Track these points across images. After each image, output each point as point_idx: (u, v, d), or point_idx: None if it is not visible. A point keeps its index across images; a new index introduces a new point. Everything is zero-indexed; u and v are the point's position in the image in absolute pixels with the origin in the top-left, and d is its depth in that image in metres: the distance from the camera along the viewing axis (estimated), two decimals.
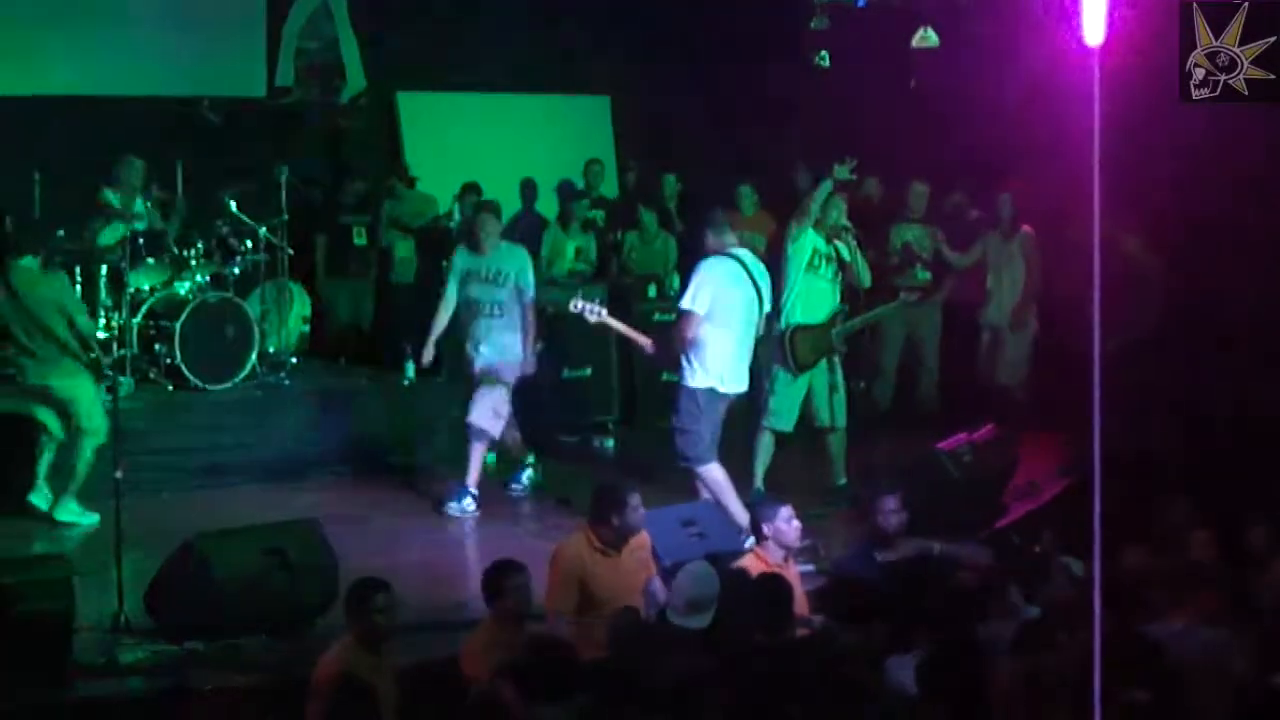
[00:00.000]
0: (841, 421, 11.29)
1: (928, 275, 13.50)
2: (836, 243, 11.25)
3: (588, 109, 16.83)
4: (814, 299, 11.13)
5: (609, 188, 15.87)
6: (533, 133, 16.09)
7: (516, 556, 8.05)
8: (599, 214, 15.10)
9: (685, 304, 10.39)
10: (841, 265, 11.24)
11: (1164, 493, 9.50)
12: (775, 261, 11.24)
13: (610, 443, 13.42)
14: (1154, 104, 8.88)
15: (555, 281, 14.11)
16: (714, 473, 10.35)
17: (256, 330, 12.91)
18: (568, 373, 13.68)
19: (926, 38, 15.24)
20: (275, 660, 8.42)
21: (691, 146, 16.26)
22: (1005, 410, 12.65)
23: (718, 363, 10.31)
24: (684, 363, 10.42)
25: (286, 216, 13.41)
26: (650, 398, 13.97)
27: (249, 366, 12.85)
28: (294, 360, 13.46)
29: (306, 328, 13.58)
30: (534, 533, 10.72)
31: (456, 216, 14.17)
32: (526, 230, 14.49)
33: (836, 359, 11.24)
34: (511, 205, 15.01)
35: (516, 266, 11.55)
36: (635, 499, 8.55)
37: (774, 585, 8.00)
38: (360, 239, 14.41)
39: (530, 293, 11.56)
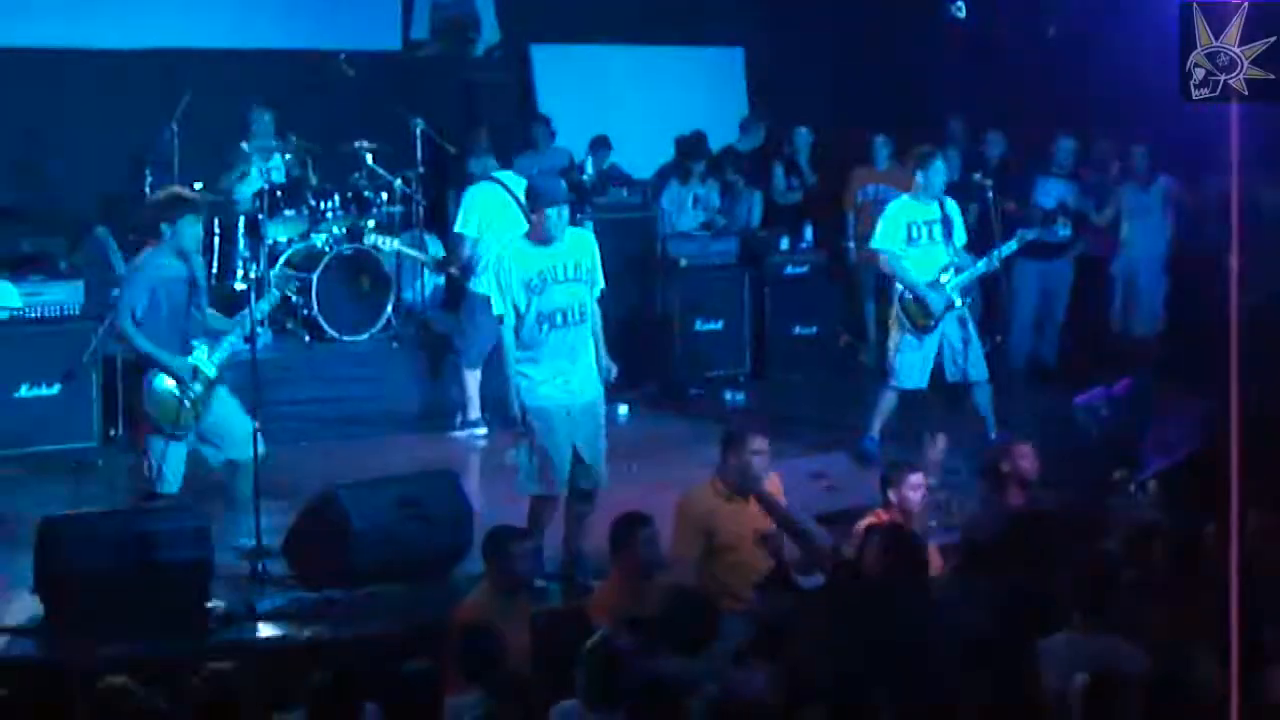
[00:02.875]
0: (981, 375, 11.19)
1: (1068, 230, 13.36)
2: (942, 202, 11.10)
3: (721, 60, 16.78)
4: (923, 261, 11.03)
5: (745, 140, 15.77)
6: (666, 84, 16.06)
7: (640, 508, 8.10)
8: (727, 166, 15.02)
9: (456, 228, 11.89)
10: (946, 223, 11.10)
11: None
12: None
13: (740, 396, 13.41)
14: None
15: (684, 234, 14.11)
16: (471, 379, 11.77)
17: (393, 282, 13.03)
18: (699, 325, 13.68)
19: None
20: (411, 608, 8.53)
21: (825, 98, 16.17)
22: (1142, 364, 12.50)
23: None
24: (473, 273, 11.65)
25: (421, 169, 13.50)
26: (780, 351, 13.98)
27: (385, 318, 12.97)
28: (429, 313, 13.57)
29: (441, 279, 13.67)
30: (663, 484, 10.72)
31: (589, 170, 14.21)
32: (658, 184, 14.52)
33: (965, 314, 11.15)
34: (645, 158, 15.02)
35: (592, 253, 9.07)
36: (759, 442, 8.56)
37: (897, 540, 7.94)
38: None
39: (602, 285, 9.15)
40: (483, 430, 11.85)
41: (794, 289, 14.19)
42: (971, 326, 11.16)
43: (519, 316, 8.76)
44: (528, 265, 8.75)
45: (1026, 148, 14.37)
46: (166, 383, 8.98)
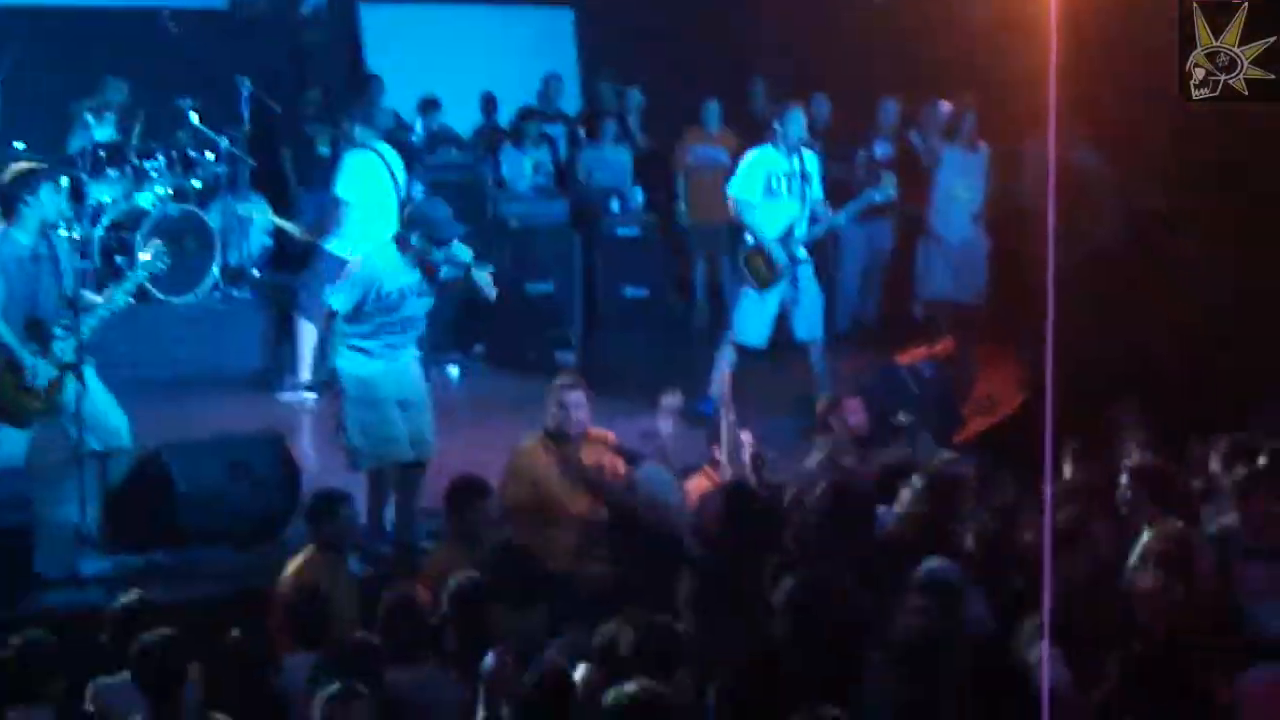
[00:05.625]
0: (816, 334, 11.34)
1: (893, 191, 13.49)
2: (800, 155, 11.24)
3: (550, 21, 16.75)
4: (774, 216, 11.15)
5: (569, 102, 15.79)
6: (494, 45, 16.00)
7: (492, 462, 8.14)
8: (557, 128, 15.02)
9: (338, 192, 11.63)
10: (805, 177, 11.24)
11: (1117, 405, 9.62)
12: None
13: (571, 356, 13.44)
14: (1112, 12, 8.93)
15: (514, 195, 14.09)
16: (308, 337, 11.49)
17: (218, 243, 12.89)
18: (530, 286, 13.69)
19: None
20: (238, 571, 8.49)
21: (655, 60, 16.19)
22: (965, 324, 12.72)
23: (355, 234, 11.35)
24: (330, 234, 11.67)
25: (248, 127, 13.37)
26: (612, 313, 14.04)
27: (212, 279, 12.83)
28: (256, 273, 13.44)
29: (269, 240, 13.53)
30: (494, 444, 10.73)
31: (419, 131, 14.13)
32: (488, 145, 14.47)
33: (806, 271, 11.27)
34: (471, 119, 14.98)
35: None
36: (575, 396, 8.69)
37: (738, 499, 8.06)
38: (324, 147, 14.33)
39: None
40: (312, 393, 11.78)
41: (625, 251, 14.25)
42: (812, 283, 11.30)
43: (359, 310, 8.78)
44: (395, 279, 8.79)
45: (851, 110, 14.52)
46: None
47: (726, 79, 15.14)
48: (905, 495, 7.88)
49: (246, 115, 13.37)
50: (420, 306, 8.96)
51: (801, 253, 11.22)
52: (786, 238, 11.15)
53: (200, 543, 8.63)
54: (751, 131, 12.43)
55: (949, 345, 11.44)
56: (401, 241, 8.87)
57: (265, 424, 10.34)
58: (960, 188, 13.78)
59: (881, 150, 13.87)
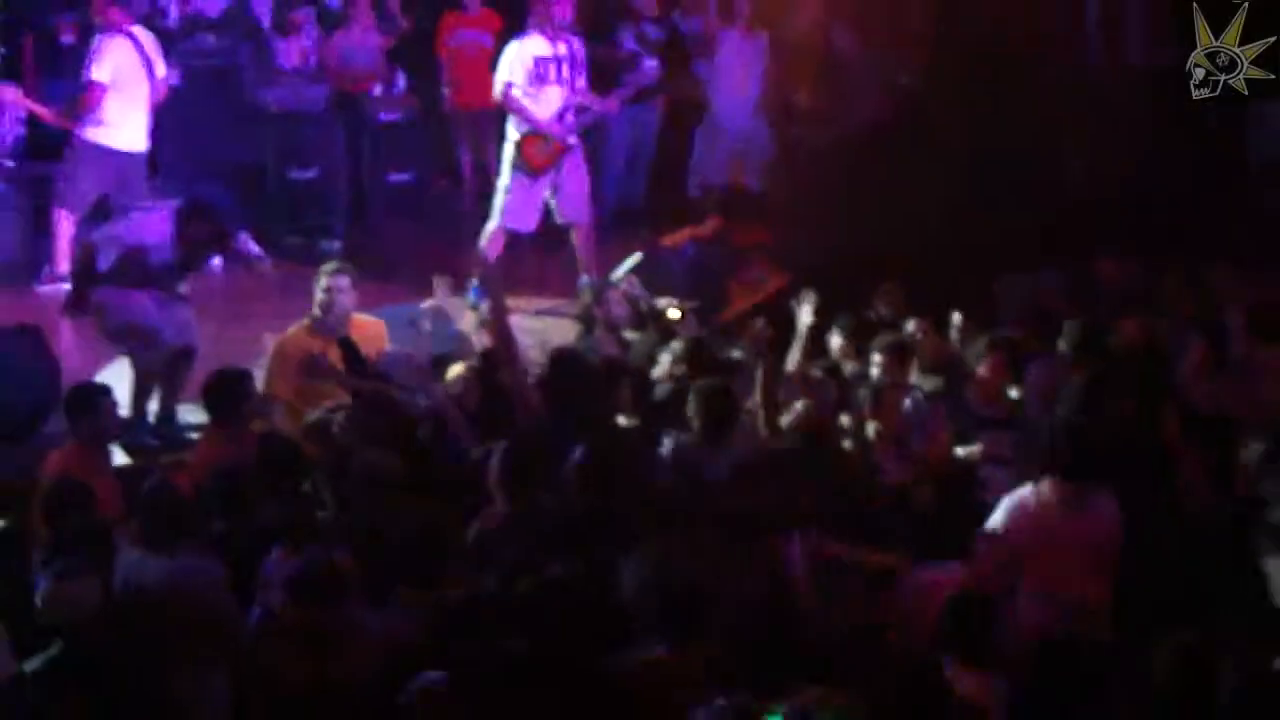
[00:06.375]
0: (583, 218, 11.38)
1: (651, 76, 13.50)
2: (566, 39, 11.22)
3: None
4: (540, 102, 11.15)
5: None
6: None
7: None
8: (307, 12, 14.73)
9: (94, 76, 11.29)
10: (572, 63, 11.23)
11: (881, 283, 9.87)
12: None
13: (337, 244, 13.33)
14: None
15: (275, 80, 13.85)
16: (66, 226, 11.35)
17: None
18: (293, 173, 13.52)
19: None
20: None
21: None
22: (733, 206, 12.83)
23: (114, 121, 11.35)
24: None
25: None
26: (377, 199, 13.93)
27: None
28: (10, 164, 13.08)
29: (23, 130, 13.16)
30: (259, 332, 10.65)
31: (172, 15, 13.80)
32: (245, 30, 14.18)
33: (575, 157, 11.29)
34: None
35: None
36: (342, 281, 8.71)
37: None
38: (68, 36, 13.92)
39: None
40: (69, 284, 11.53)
41: (389, 135, 14.10)
42: (580, 169, 11.32)
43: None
44: (161, 254, 8.76)
45: None
46: None
47: None
48: (665, 360, 8.18)
49: None
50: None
51: (573, 139, 11.23)
52: (554, 123, 11.15)
53: None
54: (517, 14, 12.35)
55: (715, 226, 11.56)
56: (180, 224, 8.74)
57: (23, 317, 10.11)
58: (738, 72, 13.72)
59: (653, 34, 13.82)
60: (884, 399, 8.02)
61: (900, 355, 8.42)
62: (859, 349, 8.80)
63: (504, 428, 7.58)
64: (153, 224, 8.86)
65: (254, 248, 9.21)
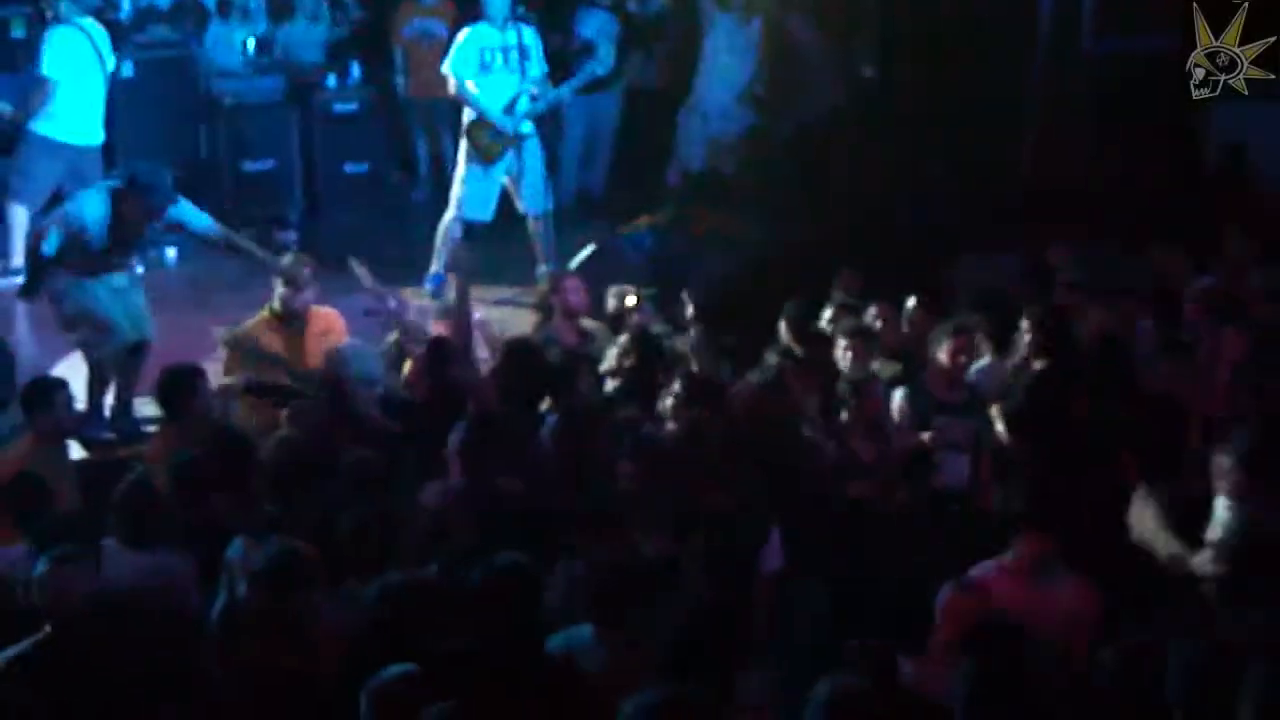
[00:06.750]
0: (541, 207, 11.38)
1: (609, 63, 13.46)
2: (517, 28, 11.22)
3: None
4: (492, 91, 11.15)
5: None
6: None
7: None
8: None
9: (44, 71, 11.17)
10: (523, 52, 11.23)
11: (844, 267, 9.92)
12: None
13: (292, 235, 13.27)
14: None
15: (229, 72, 13.79)
16: (21, 220, 11.18)
17: None
18: (247, 164, 13.47)
19: None
20: None
21: None
22: (695, 194, 12.81)
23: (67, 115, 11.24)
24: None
25: None
26: (332, 190, 13.89)
27: None
28: None
29: None
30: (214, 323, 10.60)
31: (126, 8, 13.71)
32: (196, 21, 14.11)
33: (531, 146, 11.28)
34: None
35: None
36: (304, 274, 8.72)
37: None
38: (19, 30, 13.80)
39: None
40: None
41: (344, 126, 14.05)
42: (536, 157, 11.31)
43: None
44: (102, 235, 8.68)
45: None
46: None
47: None
48: (612, 353, 8.19)
49: None
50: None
51: (526, 126, 11.23)
52: (507, 112, 11.15)
53: None
54: (472, 2, 12.31)
55: (669, 216, 11.56)
56: (116, 200, 8.69)
57: None
58: (727, 58, 13.56)
59: (598, 21, 13.75)
60: (864, 388, 8.04)
61: (865, 341, 8.46)
62: (802, 336, 8.80)
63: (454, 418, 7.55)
64: (92, 202, 8.82)
65: (198, 220, 9.12)
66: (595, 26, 13.61)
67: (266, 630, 5.70)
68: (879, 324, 9.10)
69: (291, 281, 8.75)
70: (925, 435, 8.11)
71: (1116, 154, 12.07)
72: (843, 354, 8.40)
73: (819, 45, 12.69)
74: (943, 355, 8.34)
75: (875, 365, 8.55)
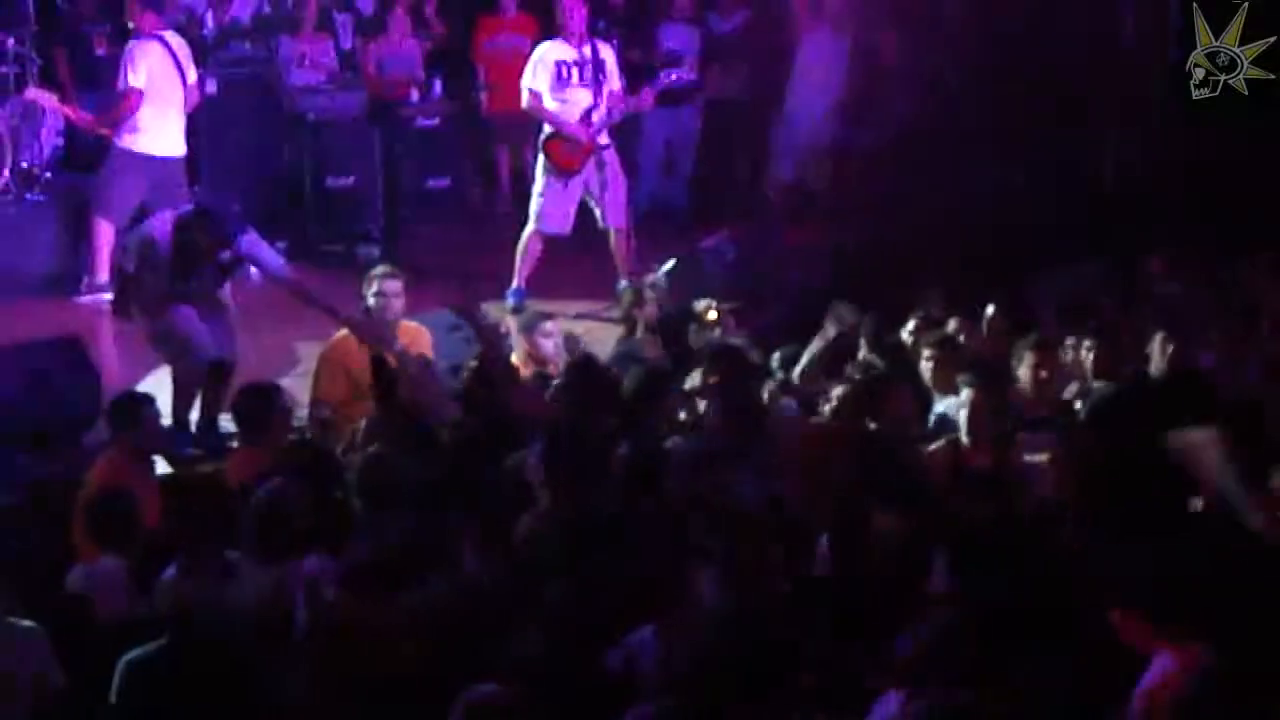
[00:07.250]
0: (621, 221, 11.39)
1: (692, 76, 13.44)
2: (594, 43, 11.27)
3: None
4: (567, 105, 11.19)
5: None
6: None
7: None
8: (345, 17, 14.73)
9: (132, 82, 11.30)
10: (599, 66, 11.26)
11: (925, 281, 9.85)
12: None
13: (375, 251, 13.34)
14: None
15: (311, 88, 13.85)
16: (105, 234, 11.38)
17: (8, 144, 12.56)
18: (330, 180, 13.53)
19: None
20: (37, 478, 8.35)
21: None
22: (768, 209, 12.78)
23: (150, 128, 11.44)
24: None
25: (35, 27, 13.02)
26: (415, 205, 13.95)
27: (2, 181, 12.50)
28: (49, 175, 13.12)
29: (61, 141, 13.21)
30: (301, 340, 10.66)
31: (209, 24, 13.82)
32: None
33: (610, 158, 11.30)
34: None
35: None
36: (394, 285, 8.77)
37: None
38: (101, 48, 13.94)
39: None
40: (109, 295, 11.57)
41: (425, 141, 14.14)
42: (617, 171, 11.34)
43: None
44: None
45: None
46: None
47: None
48: (695, 373, 8.15)
49: (32, 14, 12.99)
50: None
51: (602, 139, 11.26)
52: (579, 126, 11.18)
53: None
54: (553, 17, 12.33)
55: (753, 230, 11.54)
56: (182, 229, 8.74)
57: (62, 328, 10.14)
58: (820, 73, 13.46)
59: (680, 35, 13.74)
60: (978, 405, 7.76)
61: (950, 354, 8.38)
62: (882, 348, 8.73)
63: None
64: (160, 223, 8.89)
65: (269, 258, 9.17)
66: (676, 41, 13.64)
67: (358, 636, 5.72)
68: (961, 338, 9.03)
69: (376, 341, 8.68)
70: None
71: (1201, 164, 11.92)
72: (926, 366, 8.36)
73: (905, 58, 12.65)
74: (1025, 370, 8.25)
75: (960, 378, 8.44)
